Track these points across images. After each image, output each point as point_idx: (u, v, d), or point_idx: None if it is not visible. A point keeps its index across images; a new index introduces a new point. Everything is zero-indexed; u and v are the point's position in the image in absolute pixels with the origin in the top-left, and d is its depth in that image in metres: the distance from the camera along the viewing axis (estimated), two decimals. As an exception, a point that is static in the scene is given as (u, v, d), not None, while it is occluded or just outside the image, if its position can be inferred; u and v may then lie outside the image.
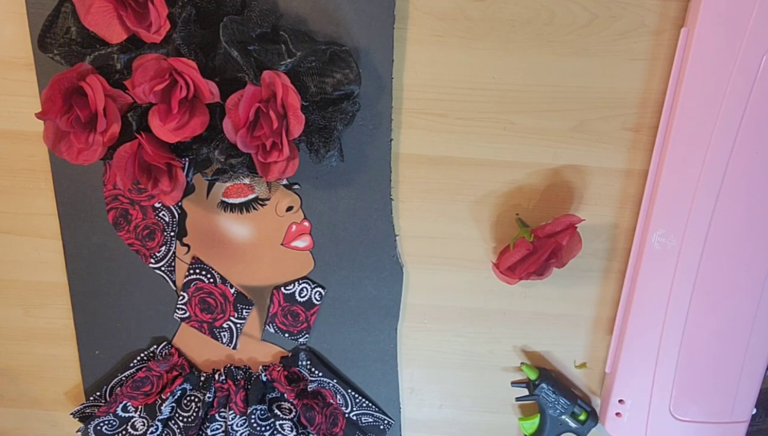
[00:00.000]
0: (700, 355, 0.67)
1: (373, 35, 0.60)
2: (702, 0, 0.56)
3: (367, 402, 0.74)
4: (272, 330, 0.72)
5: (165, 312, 0.71)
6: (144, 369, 0.70)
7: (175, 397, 0.71)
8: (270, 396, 0.72)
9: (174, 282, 0.70)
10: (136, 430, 0.71)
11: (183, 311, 0.71)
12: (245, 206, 0.66)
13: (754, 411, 0.70)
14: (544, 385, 0.71)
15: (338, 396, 0.74)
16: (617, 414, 0.71)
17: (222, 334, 0.72)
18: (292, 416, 0.71)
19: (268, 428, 0.70)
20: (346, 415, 0.74)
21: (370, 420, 0.75)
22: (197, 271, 0.69)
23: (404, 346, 0.74)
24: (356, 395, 0.74)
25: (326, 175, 0.65)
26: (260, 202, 0.66)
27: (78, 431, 0.74)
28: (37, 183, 0.67)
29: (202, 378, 0.73)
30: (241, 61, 0.54)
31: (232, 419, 0.70)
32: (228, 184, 0.65)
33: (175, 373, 0.72)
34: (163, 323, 0.72)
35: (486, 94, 0.63)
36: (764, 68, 0.58)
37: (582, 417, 0.72)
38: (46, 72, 0.61)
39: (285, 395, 0.71)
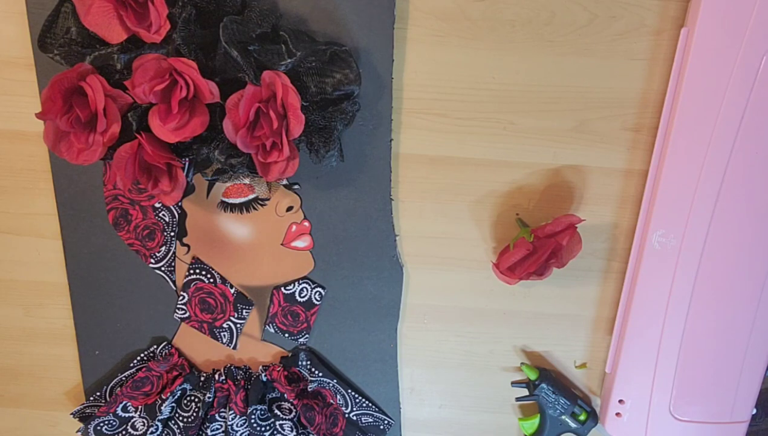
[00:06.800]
0: (700, 355, 0.67)
1: (373, 35, 0.60)
2: (702, 0, 0.56)
3: (367, 402, 0.74)
4: (272, 330, 0.72)
5: (165, 312, 0.71)
6: (144, 369, 0.70)
7: (175, 397, 0.71)
8: (270, 396, 0.72)
9: (174, 282, 0.70)
10: (136, 430, 0.71)
11: (183, 311, 0.71)
12: (245, 206, 0.66)
13: (754, 411, 0.70)
14: (544, 385, 0.71)
15: (338, 396, 0.74)
16: (617, 414, 0.71)
17: (222, 334, 0.72)
18: (292, 416, 0.71)
19: (268, 428, 0.70)
20: (346, 415, 0.74)
21: (370, 420, 0.75)
22: (197, 271, 0.69)
23: (404, 346, 0.74)
24: (356, 395, 0.74)
25: (326, 175, 0.65)
26: (260, 202, 0.66)
27: (78, 431, 0.74)
28: (37, 183, 0.67)
29: (202, 378, 0.72)
30: (241, 61, 0.54)
31: (232, 419, 0.70)
32: (228, 184, 0.65)
33: (175, 373, 0.72)
34: (163, 323, 0.72)
35: (486, 94, 0.63)
36: (764, 68, 0.58)
37: (582, 417, 0.72)
38: (46, 72, 0.61)
39: (285, 395, 0.71)
